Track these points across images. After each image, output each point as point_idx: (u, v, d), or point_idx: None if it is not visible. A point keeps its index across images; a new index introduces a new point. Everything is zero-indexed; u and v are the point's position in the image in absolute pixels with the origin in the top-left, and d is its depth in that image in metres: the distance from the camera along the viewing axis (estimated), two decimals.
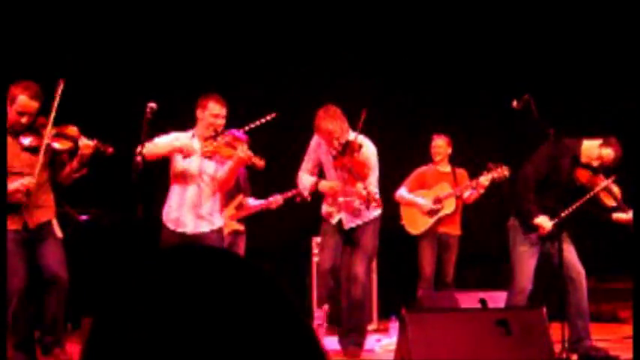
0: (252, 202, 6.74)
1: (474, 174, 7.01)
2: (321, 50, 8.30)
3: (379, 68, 8.30)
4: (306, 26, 8.31)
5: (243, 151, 5.15)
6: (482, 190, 6.93)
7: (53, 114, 4.90)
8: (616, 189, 5.49)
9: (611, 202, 5.47)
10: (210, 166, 5.33)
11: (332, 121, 5.49)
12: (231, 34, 8.22)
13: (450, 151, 7.20)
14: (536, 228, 5.37)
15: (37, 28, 7.46)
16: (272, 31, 8.26)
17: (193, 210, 5.30)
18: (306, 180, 5.84)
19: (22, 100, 4.83)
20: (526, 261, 5.44)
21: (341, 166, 5.53)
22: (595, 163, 5.43)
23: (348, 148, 5.48)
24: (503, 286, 5.78)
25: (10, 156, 4.86)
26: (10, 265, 4.81)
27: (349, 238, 5.75)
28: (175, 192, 5.35)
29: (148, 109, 5.09)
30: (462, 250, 7.21)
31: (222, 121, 5.32)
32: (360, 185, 5.47)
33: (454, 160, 7.27)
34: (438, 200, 7.01)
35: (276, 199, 6.72)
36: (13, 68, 5.23)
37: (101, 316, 0.91)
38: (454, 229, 7.12)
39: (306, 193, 5.87)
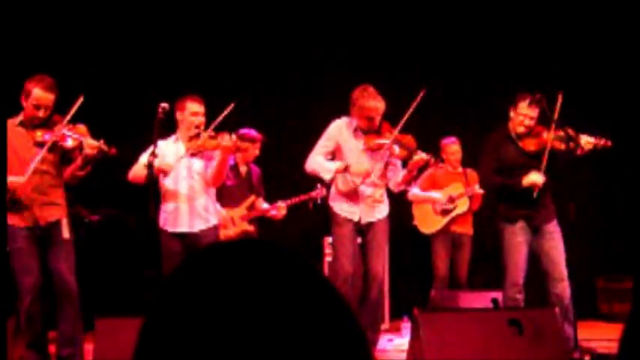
0: (265, 206, 6.71)
1: None
2: (331, 53, 8.29)
3: (389, 68, 8.28)
4: (315, 28, 8.30)
5: (226, 140, 5.23)
6: (479, 199, 6.98)
7: (68, 118, 4.94)
8: (562, 132, 5.42)
9: (565, 147, 5.40)
10: (198, 165, 5.44)
11: (375, 99, 5.43)
12: (241, 36, 8.23)
13: (461, 152, 7.22)
14: (527, 198, 5.34)
15: (46, 30, 7.48)
16: (282, 34, 8.26)
17: (187, 207, 5.42)
18: (327, 163, 5.55)
19: (37, 92, 4.86)
20: (516, 252, 5.46)
21: (375, 146, 5.42)
22: (526, 122, 5.47)
23: (384, 127, 5.46)
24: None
25: (23, 148, 4.91)
26: (23, 263, 4.83)
27: (364, 235, 5.66)
28: (168, 194, 5.47)
29: (160, 110, 5.14)
30: (474, 249, 7.20)
31: (202, 119, 5.44)
32: (418, 154, 5.36)
33: (465, 161, 7.26)
34: (451, 200, 7.01)
35: (280, 208, 6.63)
36: (19, 69, 5.26)
37: (151, 316, 0.91)
38: (467, 229, 7.12)
39: (329, 176, 5.56)
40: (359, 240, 5.70)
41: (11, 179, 4.83)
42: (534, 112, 5.47)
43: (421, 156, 5.36)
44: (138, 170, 5.36)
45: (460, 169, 7.21)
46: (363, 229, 5.63)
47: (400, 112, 5.54)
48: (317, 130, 5.77)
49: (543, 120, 5.50)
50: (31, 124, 4.94)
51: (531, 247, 5.50)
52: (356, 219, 5.57)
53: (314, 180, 6.22)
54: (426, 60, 8.40)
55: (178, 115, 5.48)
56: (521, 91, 5.58)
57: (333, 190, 5.69)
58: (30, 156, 4.92)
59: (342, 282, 5.43)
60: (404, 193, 5.85)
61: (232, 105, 5.33)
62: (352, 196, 5.56)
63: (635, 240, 6.51)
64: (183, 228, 5.43)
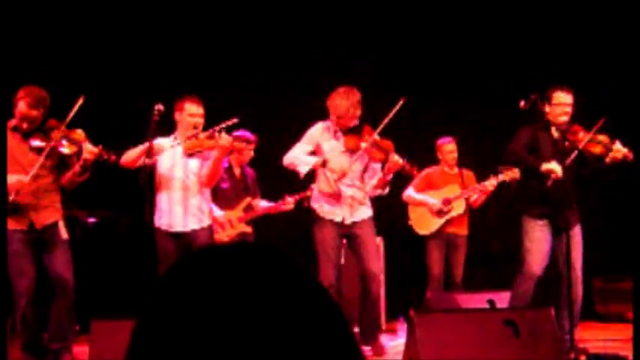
0: (263, 204, 6.74)
1: (480, 175, 7.01)
2: (329, 53, 8.29)
3: (385, 69, 8.29)
4: (312, 28, 8.30)
5: (224, 139, 5.24)
6: (485, 196, 6.98)
7: (66, 122, 4.94)
8: (602, 136, 5.42)
9: (599, 149, 5.41)
10: (194, 164, 5.46)
11: (343, 98, 5.46)
12: (237, 36, 8.23)
13: (456, 152, 7.23)
14: (545, 188, 5.33)
15: (41, 33, 7.48)
16: (280, 35, 8.26)
17: (182, 207, 5.43)
18: (306, 157, 5.58)
19: (21, 106, 4.92)
20: (538, 246, 5.44)
21: (352, 147, 5.44)
22: (567, 110, 5.47)
23: (365, 130, 5.47)
24: (511, 287, 5.76)
25: (19, 154, 4.91)
26: (18, 265, 4.83)
27: (350, 237, 5.62)
28: (163, 193, 5.48)
29: (155, 111, 5.15)
30: (470, 250, 7.19)
31: (200, 120, 5.45)
32: (393, 156, 5.37)
33: (461, 162, 7.26)
34: (447, 201, 7.00)
35: (288, 202, 6.67)
36: (16, 71, 5.27)
37: (144, 317, 0.91)
38: (462, 229, 7.12)
39: (305, 169, 5.58)
40: (344, 241, 5.67)
41: (15, 177, 4.83)
42: (570, 98, 5.47)
43: (396, 160, 5.37)
44: (131, 154, 5.32)
45: (456, 170, 7.20)
46: (347, 232, 5.60)
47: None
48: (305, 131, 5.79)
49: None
50: (21, 131, 4.96)
51: (552, 247, 5.49)
52: (339, 220, 5.58)
53: (305, 181, 6.26)
54: (423, 61, 8.40)
55: (177, 116, 5.49)
56: (526, 90, 5.55)
57: (315, 191, 5.73)
58: (27, 160, 4.93)
59: (330, 289, 5.35)
60: (395, 195, 5.83)
61: (235, 120, 5.36)
62: (334, 196, 5.58)
63: (633, 240, 6.51)
64: (177, 227, 5.44)
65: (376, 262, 5.62)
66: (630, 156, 5.33)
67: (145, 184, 5.18)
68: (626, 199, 7.96)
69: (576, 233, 5.47)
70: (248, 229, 6.63)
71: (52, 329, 5.01)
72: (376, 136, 5.49)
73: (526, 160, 5.52)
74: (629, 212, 7.78)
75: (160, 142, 5.41)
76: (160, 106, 5.15)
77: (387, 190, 5.69)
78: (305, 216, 7.34)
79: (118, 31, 7.83)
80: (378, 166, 5.63)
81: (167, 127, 5.51)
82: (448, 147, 7.16)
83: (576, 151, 5.35)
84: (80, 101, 4.97)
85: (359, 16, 8.37)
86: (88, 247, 6.66)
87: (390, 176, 5.55)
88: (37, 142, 4.94)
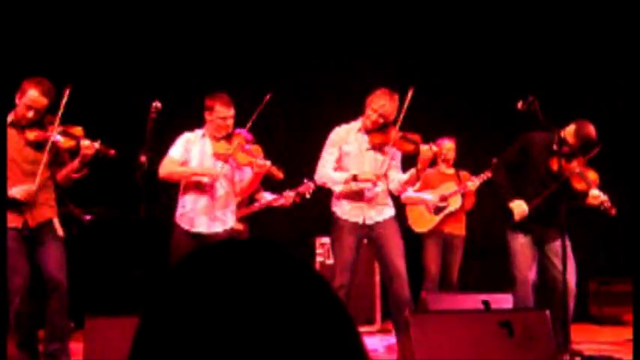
0: (268, 197, 6.70)
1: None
2: (327, 52, 8.30)
3: (384, 68, 8.30)
4: (312, 27, 8.31)
5: (259, 166, 5.22)
6: (473, 197, 7.02)
7: (60, 114, 4.92)
8: (592, 175, 5.43)
9: (582, 187, 5.39)
10: (223, 167, 5.35)
11: (387, 100, 5.37)
12: (238, 33, 8.23)
13: (454, 151, 7.25)
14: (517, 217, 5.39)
15: (42, 28, 7.47)
16: (281, 30, 8.26)
17: (208, 211, 5.36)
18: (335, 174, 5.45)
19: (32, 94, 4.84)
20: (522, 250, 5.49)
21: (380, 142, 5.34)
22: (565, 148, 5.43)
23: (389, 126, 5.38)
24: (506, 288, 5.77)
25: (14, 149, 4.88)
26: (12, 263, 4.81)
27: (372, 238, 5.47)
28: (189, 193, 5.40)
29: (153, 109, 5.13)
30: (466, 251, 7.20)
31: (231, 122, 5.38)
32: (424, 146, 5.23)
33: (457, 162, 7.28)
34: (443, 198, 7.04)
35: (289, 196, 6.63)
36: (18, 68, 5.24)
37: (149, 313, 0.90)
38: (459, 230, 7.15)
39: (339, 188, 5.43)
40: (364, 242, 5.61)
41: (24, 187, 4.83)
42: (576, 142, 5.37)
43: (426, 149, 5.21)
44: (176, 171, 5.37)
45: (452, 171, 7.22)
46: (368, 233, 5.45)
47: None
48: (304, 128, 5.79)
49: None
50: (21, 125, 4.93)
51: (538, 255, 5.52)
52: (360, 221, 5.41)
53: (300, 176, 6.27)
54: (423, 61, 8.41)
55: (207, 115, 5.38)
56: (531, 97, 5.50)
57: (335, 194, 5.52)
58: (21, 156, 4.91)
59: (336, 290, 5.21)
60: (393, 196, 5.75)
61: (268, 97, 5.39)
62: (354, 197, 5.40)
63: (632, 243, 6.53)
64: (200, 229, 5.37)
65: (400, 260, 5.34)
66: (611, 210, 5.36)
67: (140, 180, 5.16)
68: (621, 202, 7.99)
69: (558, 242, 5.46)
70: (240, 227, 6.60)
71: (49, 331, 4.98)
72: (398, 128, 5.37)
73: (500, 191, 5.61)
74: (624, 215, 7.80)
75: (187, 136, 5.40)
76: (157, 104, 5.13)
77: (417, 185, 5.63)
78: (298, 216, 7.36)
79: (116, 27, 7.82)
80: (399, 163, 5.51)
81: (165, 124, 5.48)
82: (446, 145, 7.18)
83: (563, 179, 5.33)
84: (67, 91, 4.95)
85: (358, 16, 8.38)
86: (83, 244, 6.66)
87: (425, 168, 5.39)
88: (33, 136, 4.91)
